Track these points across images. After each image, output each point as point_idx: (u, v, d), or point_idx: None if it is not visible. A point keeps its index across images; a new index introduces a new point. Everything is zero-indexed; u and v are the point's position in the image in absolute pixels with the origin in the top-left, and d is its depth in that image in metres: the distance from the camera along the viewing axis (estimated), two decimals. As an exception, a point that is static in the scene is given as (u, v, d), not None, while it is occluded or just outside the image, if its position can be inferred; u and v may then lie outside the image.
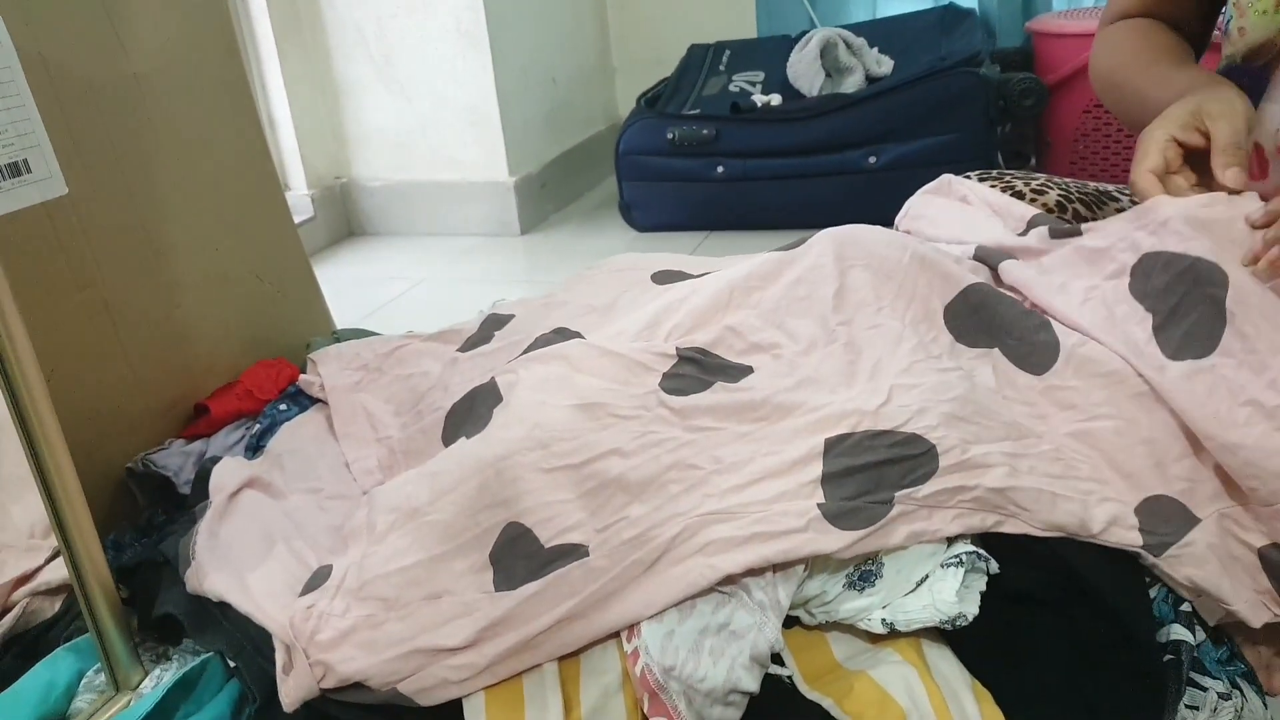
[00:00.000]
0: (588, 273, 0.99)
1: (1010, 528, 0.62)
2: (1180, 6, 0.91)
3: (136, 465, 0.87)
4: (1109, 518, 0.63)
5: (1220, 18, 0.84)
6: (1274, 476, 0.61)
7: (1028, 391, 0.71)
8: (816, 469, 0.63)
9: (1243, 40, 0.80)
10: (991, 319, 0.73)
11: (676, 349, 0.73)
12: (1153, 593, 0.63)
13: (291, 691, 0.60)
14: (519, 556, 0.62)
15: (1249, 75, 0.81)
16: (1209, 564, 0.62)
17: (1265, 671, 0.66)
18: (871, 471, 0.63)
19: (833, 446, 0.64)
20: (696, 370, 0.72)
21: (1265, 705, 0.61)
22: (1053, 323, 0.72)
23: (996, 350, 0.72)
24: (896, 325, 0.73)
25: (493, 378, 0.76)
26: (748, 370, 0.72)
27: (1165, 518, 0.64)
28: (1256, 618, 0.61)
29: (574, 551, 0.62)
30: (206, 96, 1.00)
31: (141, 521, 0.87)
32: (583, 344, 0.76)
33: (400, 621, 0.61)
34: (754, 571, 0.59)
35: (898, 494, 0.61)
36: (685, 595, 0.58)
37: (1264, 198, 0.81)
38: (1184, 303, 0.67)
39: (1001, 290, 0.75)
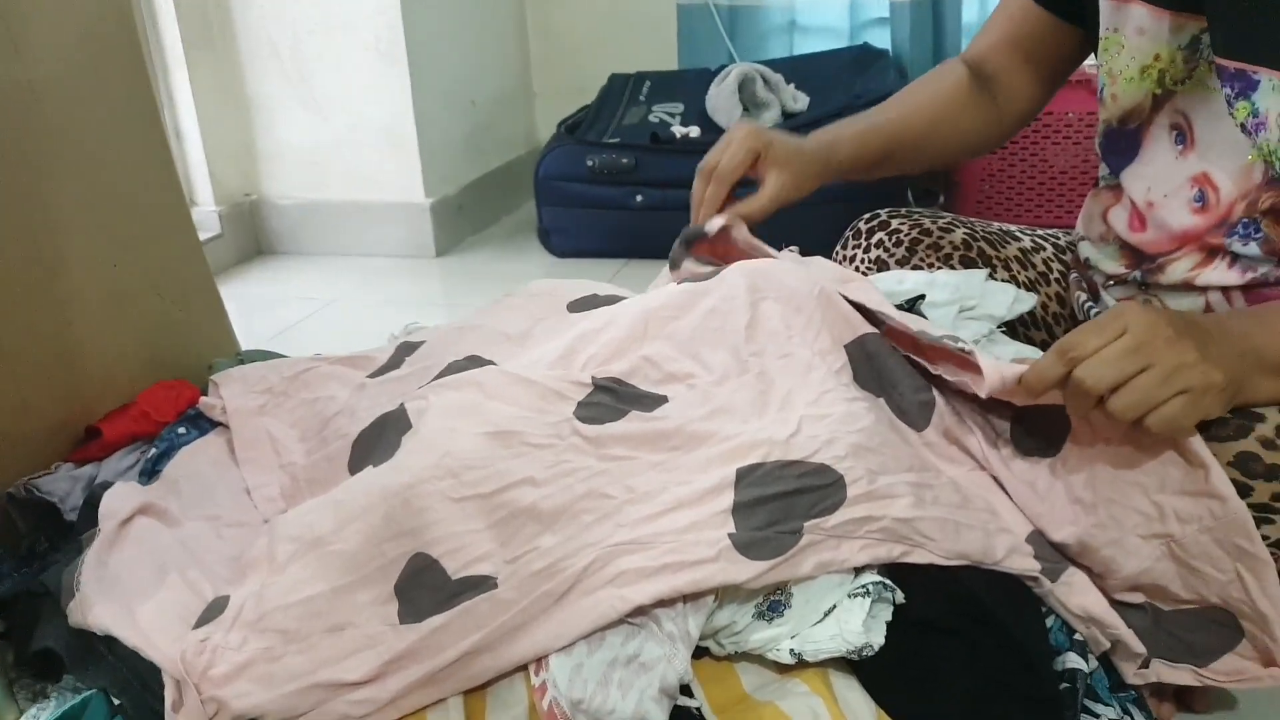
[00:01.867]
0: (503, 299, 0.98)
1: (917, 558, 0.63)
2: (1017, 71, 0.97)
3: (18, 490, 0.83)
4: (1008, 546, 0.65)
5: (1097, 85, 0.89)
6: (1098, 562, 0.65)
7: (912, 441, 0.73)
8: (728, 499, 0.64)
9: (1116, 105, 0.85)
10: (881, 371, 0.75)
11: (592, 378, 0.72)
12: (1048, 622, 0.65)
13: None
14: (425, 588, 0.61)
15: (1124, 137, 0.85)
16: (1096, 594, 0.65)
17: (1154, 699, 0.68)
18: (781, 501, 0.63)
19: (744, 476, 0.65)
20: (611, 399, 0.71)
21: (1154, 730, 0.63)
22: (934, 390, 0.74)
23: (882, 400, 0.74)
24: (806, 354, 0.74)
25: (402, 404, 0.75)
26: (662, 400, 0.72)
27: (1049, 549, 0.67)
28: (1140, 647, 0.64)
29: (482, 583, 0.60)
30: (108, 105, 0.96)
31: (21, 550, 0.82)
32: (496, 371, 0.75)
33: (300, 655, 0.59)
34: (664, 602, 0.59)
35: (806, 524, 0.62)
36: (595, 627, 0.58)
37: (1143, 248, 0.85)
38: (1032, 412, 0.70)
39: (894, 345, 0.77)
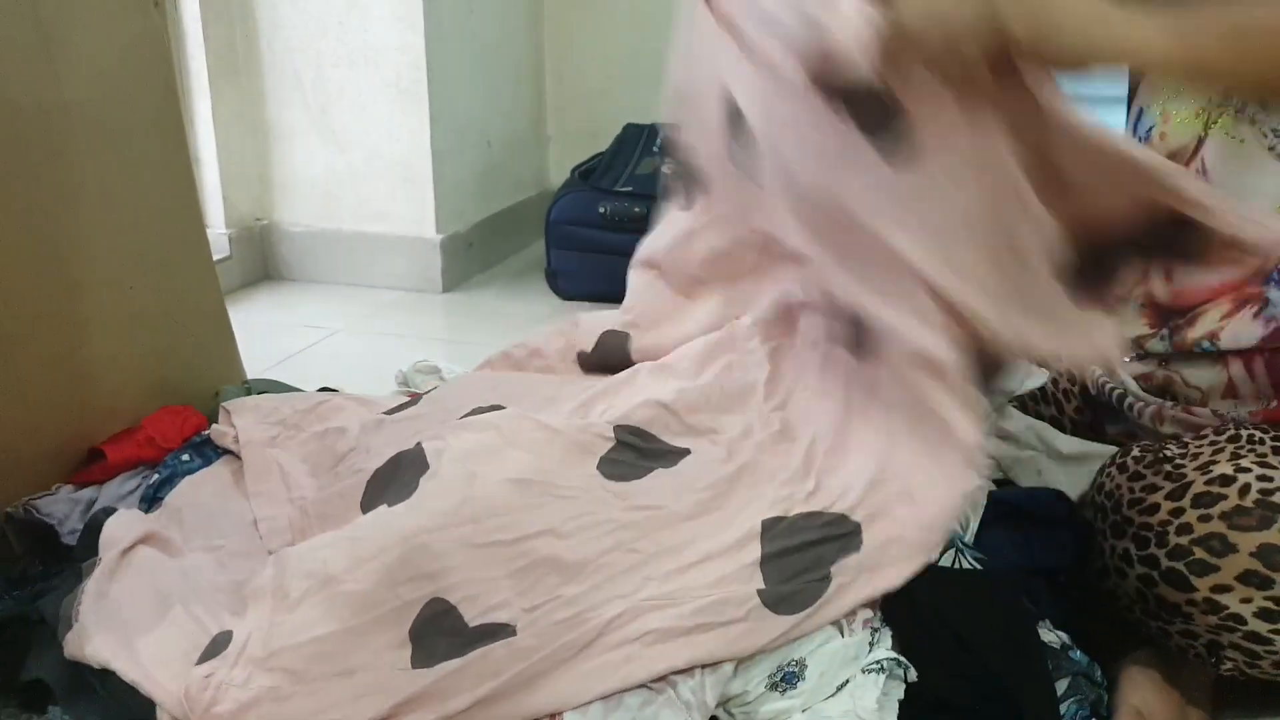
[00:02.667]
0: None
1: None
2: None
3: (18, 510, 0.82)
4: None
5: (1136, 125, 0.89)
6: None
7: None
8: (755, 551, 0.65)
9: (1163, 145, 0.85)
10: None
11: (613, 429, 0.72)
12: (1063, 709, 0.64)
13: None
14: (441, 634, 0.60)
15: None
16: None
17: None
18: (808, 551, 0.64)
19: (769, 529, 0.66)
20: (634, 456, 0.71)
21: (1166, 822, 0.62)
22: None
23: None
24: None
25: (419, 443, 0.74)
26: (685, 453, 0.72)
27: None
28: None
29: (500, 631, 0.60)
30: (138, 131, 0.96)
31: (14, 573, 0.80)
32: (515, 414, 0.75)
33: (308, 697, 0.58)
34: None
35: (834, 567, 0.63)
36: (620, 687, 0.57)
37: (1175, 300, 0.83)
38: None
39: None
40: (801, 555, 0.64)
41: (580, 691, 0.58)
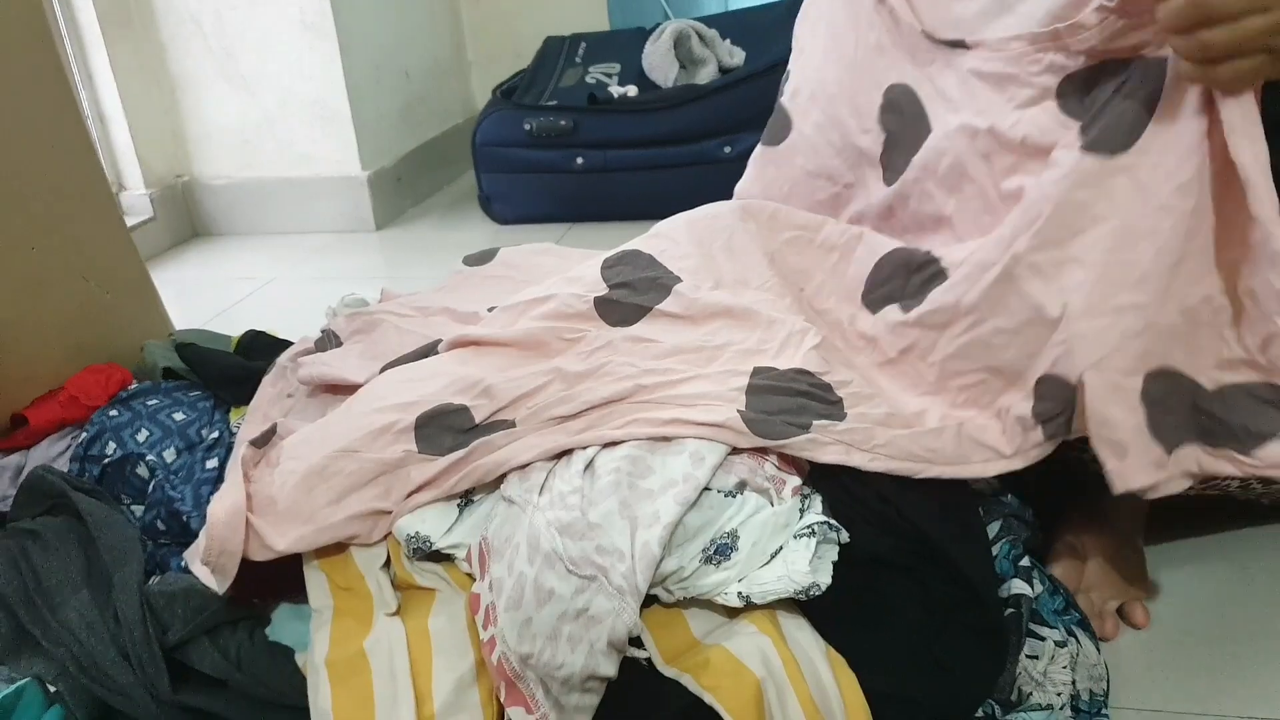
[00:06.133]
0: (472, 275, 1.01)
1: (926, 474, 0.65)
2: None
3: (-56, 484, 0.80)
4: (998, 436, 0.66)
5: None
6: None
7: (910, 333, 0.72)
8: (743, 380, 0.68)
9: None
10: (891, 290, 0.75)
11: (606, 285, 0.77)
12: (995, 550, 0.65)
13: None
14: (448, 430, 0.68)
15: None
16: (1112, 401, 0.61)
17: (1098, 619, 0.69)
18: (795, 397, 0.66)
19: (760, 371, 0.69)
20: (628, 293, 0.76)
21: (1099, 650, 0.64)
22: (941, 258, 0.72)
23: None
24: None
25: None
26: (676, 279, 0.76)
27: (1058, 389, 0.63)
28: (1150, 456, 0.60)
29: (501, 425, 0.67)
30: (13, 84, 0.92)
31: (-49, 545, 0.80)
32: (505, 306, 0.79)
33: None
34: (616, 554, 0.58)
35: (815, 423, 0.65)
36: (575, 445, 0.65)
37: None
38: (1111, 102, 0.63)
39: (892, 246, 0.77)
40: (788, 398, 0.66)
41: (537, 445, 0.65)
